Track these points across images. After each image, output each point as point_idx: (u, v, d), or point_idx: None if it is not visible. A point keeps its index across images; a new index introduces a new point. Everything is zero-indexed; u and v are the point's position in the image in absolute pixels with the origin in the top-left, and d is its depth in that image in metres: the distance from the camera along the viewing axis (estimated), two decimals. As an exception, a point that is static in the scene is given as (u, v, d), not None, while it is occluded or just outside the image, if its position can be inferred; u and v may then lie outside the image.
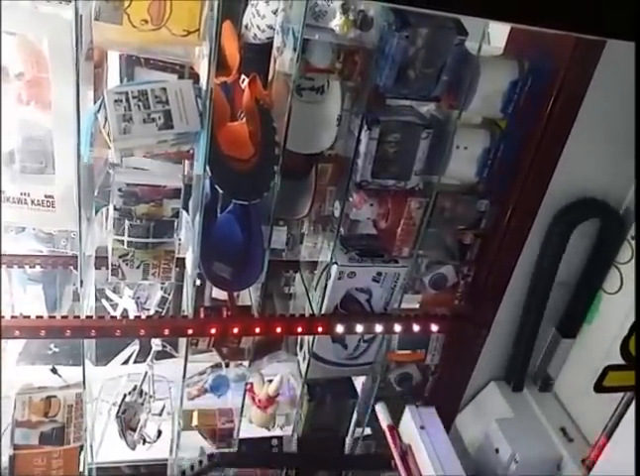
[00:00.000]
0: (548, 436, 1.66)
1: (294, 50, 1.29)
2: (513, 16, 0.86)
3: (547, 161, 1.49)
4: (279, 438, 1.94)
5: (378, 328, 1.64)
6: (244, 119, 1.45)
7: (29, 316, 1.44)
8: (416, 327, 1.66)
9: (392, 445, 1.49)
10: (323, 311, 1.63)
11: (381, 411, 1.60)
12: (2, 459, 1.66)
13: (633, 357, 1.02)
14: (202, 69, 1.30)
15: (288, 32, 1.36)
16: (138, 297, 1.94)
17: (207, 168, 1.32)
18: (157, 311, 1.92)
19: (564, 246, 1.63)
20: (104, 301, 1.89)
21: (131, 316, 1.85)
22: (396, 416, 1.94)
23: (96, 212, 1.52)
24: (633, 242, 1.55)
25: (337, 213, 1.55)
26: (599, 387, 1.09)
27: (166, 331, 1.52)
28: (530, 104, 1.43)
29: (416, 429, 1.50)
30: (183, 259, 1.62)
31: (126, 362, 1.91)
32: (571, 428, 1.72)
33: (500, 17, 0.90)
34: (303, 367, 1.77)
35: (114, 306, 1.91)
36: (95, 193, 1.50)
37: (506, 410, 1.77)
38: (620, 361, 1.23)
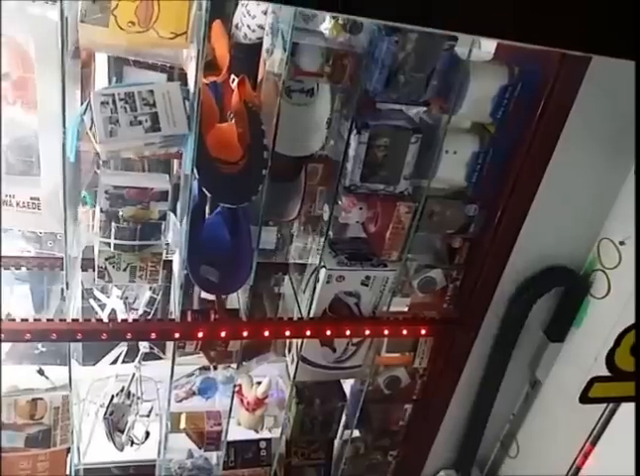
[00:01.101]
0: None
1: (284, 49, 1.28)
2: (501, 33, 0.85)
3: (536, 165, 1.48)
4: (268, 441, 1.94)
5: (367, 332, 1.64)
6: (233, 120, 1.44)
7: (14, 319, 1.42)
8: (405, 331, 1.66)
9: None
10: (312, 315, 1.62)
11: None
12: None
13: (618, 369, 1.02)
14: (190, 72, 1.29)
15: (278, 33, 1.35)
16: (126, 298, 1.93)
17: (195, 170, 1.31)
18: (145, 311, 1.91)
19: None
20: (92, 301, 1.88)
21: (119, 317, 1.85)
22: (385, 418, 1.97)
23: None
24: (621, 247, 1.55)
25: (326, 217, 1.54)
26: (585, 398, 1.08)
27: (153, 335, 1.51)
28: (520, 109, 1.43)
29: None
30: (171, 261, 1.61)
31: (114, 363, 1.90)
32: None
33: (487, 34, 0.89)
34: (292, 370, 1.77)
35: (102, 307, 1.90)
36: (82, 195, 1.49)
37: None
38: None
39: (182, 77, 1.37)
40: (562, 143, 1.45)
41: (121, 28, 1.19)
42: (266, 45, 1.45)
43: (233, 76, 1.47)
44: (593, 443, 1.33)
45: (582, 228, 1.65)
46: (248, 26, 1.47)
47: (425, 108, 1.51)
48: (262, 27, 1.44)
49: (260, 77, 1.50)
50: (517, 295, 1.67)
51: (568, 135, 1.43)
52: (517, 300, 1.67)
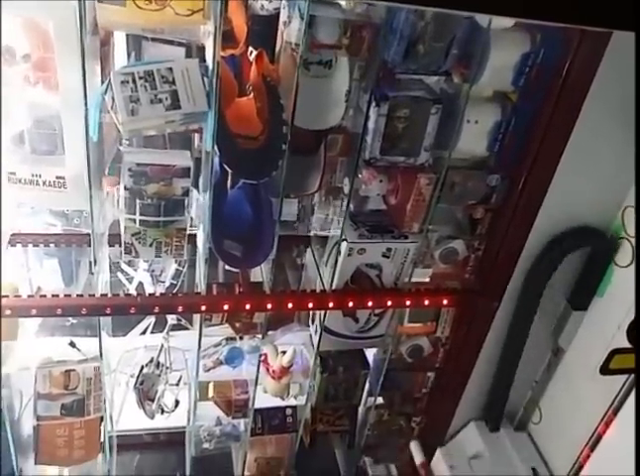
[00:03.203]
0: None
1: (302, 19, 1.27)
2: (515, 10, 0.83)
3: (559, 134, 1.46)
4: (293, 408, 1.98)
5: (389, 303, 1.66)
6: (251, 94, 1.44)
7: (45, 295, 1.47)
8: (426, 302, 1.67)
9: None
10: (334, 287, 1.64)
11: (415, 449, 1.74)
12: (25, 430, 1.74)
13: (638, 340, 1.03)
14: (208, 48, 1.29)
15: (295, 6, 1.34)
16: (153, 271, 1.96)
17: (215, 147, 1.32)
18: (172, 284, 1.95)
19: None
20: (120, 275, 1.92)
21: (146, 289, 1.89)
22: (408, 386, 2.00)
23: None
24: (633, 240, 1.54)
25: (346, 190, 1.55)
26: (605, 369, 1.09)
27: (180, 308, 1.55)
28: (542, 76, 1.40)
29: (446, 468, 1.62)
30: (195, 235, 1.63)
31: (143, 333, 1.95)
32: (542, 468, 1.82)
33: (501, 12, 0.88)
34: (315, 340, 1.80)
35: (129, 280, 1.94)
36: (105, 173, 1.51)
37: (482, 449, 1.86)
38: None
39: (200, 51, 1.37)
40: (585, 110, 1.42)
41: (138, 6, 1.19)
42: (283, 17, 1.43)
43: (251, 49, 1.46)
44: (615, 412, 1.35)
45: (606, 195, 1.63)
46: (264, -4, 1.46)
47: (445, 78, 1.48)
48: (278, -3, 1.43)
49: (277, 49, 1.49)
50: (543, 254, 1.64)
51: (591, 102, 1.40)
52: (542, 260, 1.65)
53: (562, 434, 1.78)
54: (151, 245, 1.50)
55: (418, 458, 1.70)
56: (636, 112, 1.37)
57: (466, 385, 1.93)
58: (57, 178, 1.39)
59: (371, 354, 1.95)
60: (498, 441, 1.91)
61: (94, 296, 1.50)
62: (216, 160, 1.38)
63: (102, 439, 1.80)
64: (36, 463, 1.72)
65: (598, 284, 1.62)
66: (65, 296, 1.48)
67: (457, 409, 1.99)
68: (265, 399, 1.95)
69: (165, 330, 1.84)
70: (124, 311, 1.52)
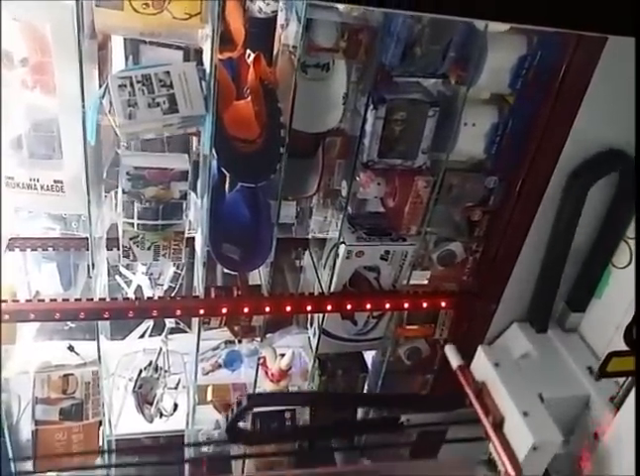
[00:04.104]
0: (575, 375, 1.60)
1: (299, 21, 1.28)
2: (515, 17, 0.83)
3: (556, 136, 1.46)
4: (292, 411, 1.98)
5: (387, 306, 1.66)
6: (249, 98, 1.44)
7: (43, 300, 1.47)
8: (425, 304, 1.67)
9: (465, 384, 1.44)
10: (332, 290, 1.64)
11: (451, 351, 1.52)
12: (24, 434, 1.73)
13: (636, 343, 1.03)
14: (205, 51, 1.29)
15: (292, 9, 1.34)
16: (151, 274, 1.96)
17: (213, 150, 1.32)
18: (170, 287, 1.95)
19: (580, 207, 1.55)
20: (118, 278, 1.92)
21: (145, 292, 1.89)
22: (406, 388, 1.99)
23: (106, 193, 1.54)
24: (631, 242, 1.53)
25: (344, 193, 1.55)
26: (603, 372, 1.09)
27: (178, 312, 1.55)
28: (539, 79, 1.40)
29: (491, 367, 1.43)
30: (194, 238, 1.64)
31: (141, 337, 1.95)
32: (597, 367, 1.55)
33: (500, 18, 0.88)
34: (314, 342, 1.80)
35: (128, 283, 1.94)
36: (104, 176, 1.51)
37: (530, 350, 1.70)
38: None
39: (198, 54, 1.37)
40: (582, 112, 1.42)
41: (136, 10, 1.20)
42: (280, 20, 1.44)
43: (248, 52, 1.46)
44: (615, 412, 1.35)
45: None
46: (262, -2, 1.46)
47: (442, 80, 1.49)
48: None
49: (275, 52, 1.49)
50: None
51: (588, 104, 1.41)
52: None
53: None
54: (149, 248, 1.50)
55: (455, 362, 1.48)
56: (636, 113, 1.37)
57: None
58: (55, 182, 1.39)
59: (369, 357, 1.96)
60: (547, 342, 1.72)
61: (92, 300, 1.50)
62: (214, 163, 1.38)
63: (101, 444, 1.80)
64: (34, 468, 1.72)
65: (597, 284, 1.61)
66: (64, 300, 1.48)
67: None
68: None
69: (164, 334, 1.84)
70: (122, 315, 1.52)
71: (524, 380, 1.42)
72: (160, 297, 1.62)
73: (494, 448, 1.34)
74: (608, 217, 1.59)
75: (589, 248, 1.64)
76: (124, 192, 1.40)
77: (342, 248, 1.58)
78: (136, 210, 1.42)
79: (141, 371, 1.81)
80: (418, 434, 1.82)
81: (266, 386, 1.91)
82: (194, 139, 1.61)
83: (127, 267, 1.91)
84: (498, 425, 1.35)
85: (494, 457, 1.37)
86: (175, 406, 1.88)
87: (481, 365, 1.47)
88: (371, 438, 2.06)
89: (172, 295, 1.78)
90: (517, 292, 1.71)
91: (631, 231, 1.54)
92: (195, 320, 1.70)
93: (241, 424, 1.92)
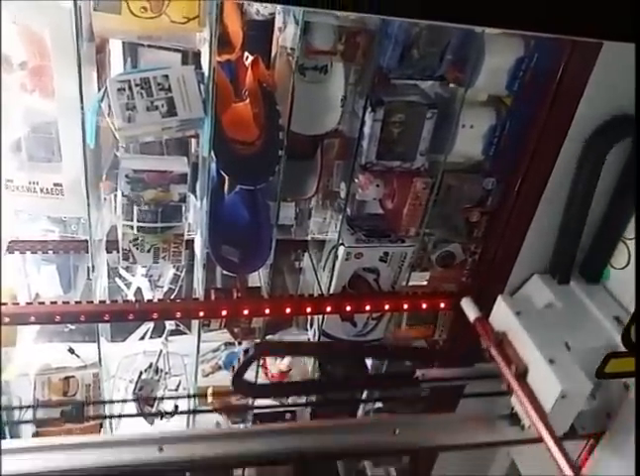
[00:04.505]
0: (601, 325, 1.51)
1: (297, 24, 1.28)
2: (513, 23, 0.84)
3: (554, 137, 1.47)
4: (292, 412, 1.98)
5: (387, 307, 1.66)
6: (247, 100, 1.45)
7: (43, 302, 1.47)
8: (424, 305, 1.68)
9: (485, 336, 1.37)
10: (331, 291, 1.65)
11: (467, 304, 1.44)
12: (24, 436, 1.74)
13: (634, 344, 1.03)
14: (204, 55, 1.29)
15: (290, 11, 1.35)
16: (151, 276, 1.96)
17: (212, 153, 1.33)
18: (170, 289, 1.95)
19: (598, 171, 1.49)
20: (118, 280, 1.92)
21: (145, 294, 1.90)
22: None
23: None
24: (629, 242, 1.52)
25: (343, 194, 1.55)
26: (602, 373, 1.10)
27: (178, 314, 1.55)
28: (536, 81, 1.40)
29: (513, 316, 1.35)
30: (193, 240, 1.64)
31: (142, 338, 1.95)
32: (625, 318, 1.51)
33: (492, 24, 0.88)
34: (314, 344, 1.81)
35: (128, 285, 1.94)
36: (103, 179, 1.52)
37: (553, 300, 1.61)
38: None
39: (196, 56, 1.38)
40: (580, 113, 1.42)
41: (134, 14, 1.20)
42: (278, 23, 1.44)
43: (246, 54, 1.47)
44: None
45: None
46: (260, 0, 1.46)
47: (440, 82, 1.49)
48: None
49: (273, 54, 1.49)
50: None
51: (586, 105, 1.41)
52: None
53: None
54: (148, 251, 1.50)
55: (472, 314, 1.40)
56: (636, 115, 1.37)
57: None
58: (55, 185, 1.40)
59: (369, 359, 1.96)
60: (571, 293, 1.63)
61: (92, 302, 1.50)
62: (213, 165, 1.39)
63: (101, 445, 1.80)
64: (35, 470, 1.72)
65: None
66: (64, 303, 1.49)
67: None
68: (263, 403, 1.95)
69: (164, 336, 1.85)
70: (122, 318, 1.52)
71: (548, 328, 1.34)
72: (159, 300, 1.63)
73: (518, 400, 1.26)
74: (620, 186, 1.55)
75: (602, 218, 1.60)
76: (123, 195, 1.40)
77: (341, 249, 1.58)
78: (135, 213, 1.42)
79: (141, 373, 1.81)
80: (435, 390, 1.71)
81: (266, 387, 1.92)
82: (193, 141, 1.61)
83: (127, 269, 1.91)
84: (522, 376, 1.28)
85: (517, 410, 1.31)
86: (176, 407, 1.88)
87: (502, 315, 1.40)
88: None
89: (172, 297, 1.78)
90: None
91: (629, 232, 1.54)
92: (195, 322, 1.70)
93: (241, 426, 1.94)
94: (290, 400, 1.94)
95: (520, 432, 1.32)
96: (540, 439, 1.17)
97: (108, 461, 1.11)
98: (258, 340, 1.81)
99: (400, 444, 1.32)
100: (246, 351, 1.39)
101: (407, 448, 1.40)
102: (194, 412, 1.84)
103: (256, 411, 1.91)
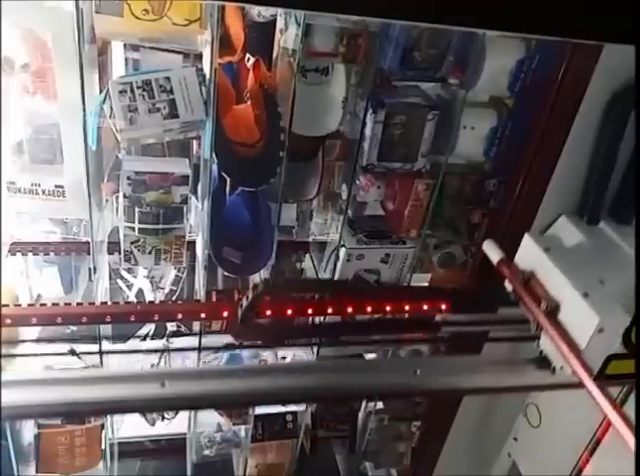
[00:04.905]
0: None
1: (298, 26, 1.28)
2: (513, 26, 0.84)
3: (555, 138, 1.47)
4: (294, 414, 1.99)
5: (388, 309, 1.66)
6: (249, 102, 1.45)
7: (45, 304, 1.47)
8: (425, 307, 1.67)
9: (510, 277, 1.27)
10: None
11: (490, 246, 1.35)
12: (26, 438, 1.74)
13: (634, 346, 1.04)
14: (205, 57, 1.30)
15: (291, 13, 1.35)
16: (152, 277, 1.97)
17: (213, 155, 1.33)
18: (171, 290, 1.95)
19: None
20: (119, 282, 1.92)
21: (146, 296, 1.90)
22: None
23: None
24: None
25: (344, 196, 1.56)
26: (602, 375, 1.09)
27: (180, 315, 1.55)
28: (537, 82, 1.41)
29: (541, 252, 1.26)
30: (194, 241, 1.64)
31: (143, 340, 1.95)
32: None
33: (493, 26, 0.89)
34: (314, 345, 1.80)
35: (129, 286, 1.95)
36: (105, 180, 1.52)
37: (583, 240, 1.52)
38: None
39: (198, 58, 1.38)
40: (581, 115, 1.43)
41: (135, 16, 1.20)
42: (279, 25, 1.44)
43: (248, 56, 1.47)
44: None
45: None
46: (261, 2, 1.46)
47: (441, 84, 1.49)
48: (275, 2, 1.44)
49: (274, 56, 1.50)
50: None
51: (587, 106, 1.41)
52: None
53: (561, 436, 1.75)
54: (150, 253, 1.51)
55: (495, 256, 1.30)
56: (636, 116, 1.37)
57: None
58: (57, 186, 1.40)
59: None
60: (601, 233, 1.56)
61: (94, 304, 1.50)
62: (214, 167, 1.39)
63: (103, 447, 1.80)
64: (37, 471, 1.72)
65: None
66: (65, 304, 1.49)
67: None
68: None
69: (166, 336, 1.85)
70: (124, 319, 1.52)
71: (580, 265, 1.25)
72: (161, 302, 1.63)
73: (549, 339, 1.16)
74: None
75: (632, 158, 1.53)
76: (125, 197, 1.41)
77: (342, 251, 1.58)
78: (137, 215, 1.43)
79: (143, 374, 1.81)
80: (457, 336, 1.64)
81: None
82: (195, 143, 1.62)
83: (128, 270, 1.91)
84: (553, 313, 1.18)
85: (547, 353, 1.21)
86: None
87: (529, 254, 1.30)
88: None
89: (174, 298, 1.78)
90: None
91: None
92: (197, 324, 1.70)
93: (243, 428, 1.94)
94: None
95: (549, 377, 1.22)
96: (570, 385, 1.10)
97: (109, 395, 1.04)
98: (259, 341, 1.81)
99: (421, 386, 1.20)
100: (255, 286, 1.32)
101: (428, 390, 1.24)
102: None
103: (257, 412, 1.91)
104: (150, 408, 1.08)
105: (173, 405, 1.07)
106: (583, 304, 1.14)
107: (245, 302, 1.32)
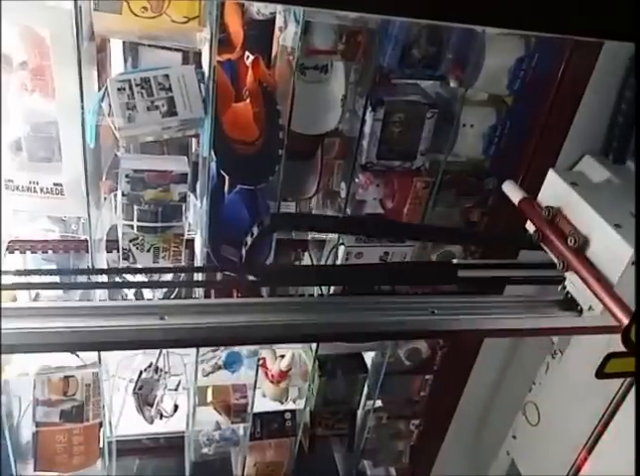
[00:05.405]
0: None
1: (297, 23, 1.28)
2: (512, 22, 0.84)
3: (554, 137, 1.47)
4: (292, 412, 1.99)
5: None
6: (248, 100, 1.45)
7: (43, 302, 1.47)
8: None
9: (534, 216, 1.18)
10: (332, 291, 1.64)
11: (510, 187, 1.27)
12: (24, 436, 1.74)
13: (634, 344, 1.03)
14: (204, 54, 1.29)
15: (290, 11, 1.35)
16: (151, 275, 1.96)
17: (212, 153, 1.33)
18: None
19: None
20: (118, 280, 1.92)
21: (144, 295, 1.89)
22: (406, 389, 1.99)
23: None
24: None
25: (343, 194, 1.55)
26: (601, 373, 1.09)
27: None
28: (537, 80, 1.41)
29: (568, 187, 1.17)
30: (193, 240, 1.64)
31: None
32: None
33: (492, 23, 0.89)
34: (313, 344, 1.80)
35: (128, 285, 1.94)
36: (103, 179, 1.52)
37: (610, 177, 1.46)
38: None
39: (197, 56, 1.38)
40: (580, 113, 1.43)
41: (134, 14, 1.20)
42: (279, 22, 1.44)
43: (247, 54, 1.47)
44: (612, 416, 1.35)
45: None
46: (261, -1, 1.46)
47: (441, 82, 1.49)
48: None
49: (273, 53, 1.49)
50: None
51: (586, 105, 1.41)
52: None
53: (560, 435, 1.76)
54: (148, 251, 1.51)
55: (516, 196, 1.23)
56: (636, 117, 1.37)
57: (464, 386, 1.93)
58: (55, 184, 1.40)
59: (369, 357, 1.96)
60: (628, 171, 1.49)
61: (92, 302, 1.50)
62: (213, 165, 1.39)
63: (101, 445, 1.80)
64: (35, 470, 1.72)
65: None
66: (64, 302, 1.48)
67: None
68: (263, 403, 1.96)
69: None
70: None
71: (609, 198, 1.15)
72: (159, 299, 1.62)
73: (579, 274, 1.07)
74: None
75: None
76: (123, 195, 1.40)
77: (341, 249, 1.58)
78: (135, 213, 1.42)
79: (141, 372, 1.81)
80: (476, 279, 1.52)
81: (265, 387, 1.92)
82: (193, 141, 1.61)
83: (127, 269, 1.91)
84: (581, 249, 1.09)
85: (573, 293, 1.13)
86: (176, 407, 1.88)
87: (554, 189, 1.21)
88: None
89: (172, 296, 1.78)
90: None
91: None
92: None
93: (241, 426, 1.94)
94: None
95: (575, 319, 1.14)
96: (596, 329, 1.04)
97: (106, 326, 0.93)
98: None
99: (438, 326, 1.10)
100: (260, 223, 1.22)
101: (445, 330, 1.13)
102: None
103: (256, 410, 1.91)
104: (148, 343, 1.00)
105: (173, 338, 0.98)
106: (614, 236, 1.06)
107: (249, 240, 1.25)
